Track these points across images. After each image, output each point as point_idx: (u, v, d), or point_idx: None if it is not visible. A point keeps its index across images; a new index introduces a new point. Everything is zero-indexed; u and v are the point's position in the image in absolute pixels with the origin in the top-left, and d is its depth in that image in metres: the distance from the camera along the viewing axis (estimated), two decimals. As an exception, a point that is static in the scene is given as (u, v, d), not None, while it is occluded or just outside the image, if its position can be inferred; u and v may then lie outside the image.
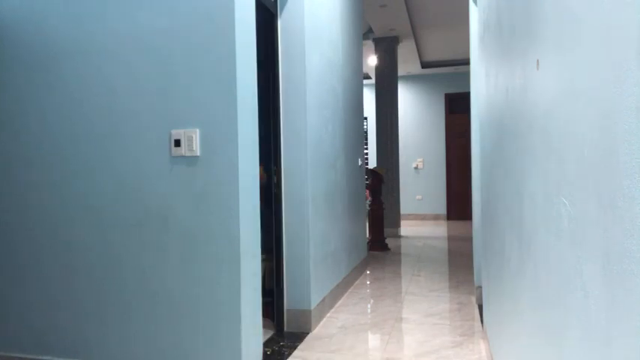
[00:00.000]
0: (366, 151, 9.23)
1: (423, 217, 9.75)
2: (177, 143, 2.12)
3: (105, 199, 2.24)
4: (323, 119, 3.52)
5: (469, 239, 6.44)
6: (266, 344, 2.83)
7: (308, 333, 3.09)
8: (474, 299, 3.82)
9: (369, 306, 3.74)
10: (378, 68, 7.70)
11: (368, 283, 4.56)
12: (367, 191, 6.08)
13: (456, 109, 9.63)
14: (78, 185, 2.28)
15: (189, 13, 2.12)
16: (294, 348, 2.86)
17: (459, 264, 5.30)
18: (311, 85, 3.22)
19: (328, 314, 3.50)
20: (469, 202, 4.14)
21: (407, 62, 8.80)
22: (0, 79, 2.39)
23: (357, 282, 4.52)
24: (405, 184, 9.36)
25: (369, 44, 7.52)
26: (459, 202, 9.54)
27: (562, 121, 0.95)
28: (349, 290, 4.18)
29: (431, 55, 8.77)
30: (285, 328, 3.14)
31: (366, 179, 5.98)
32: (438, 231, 8.25)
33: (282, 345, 2.93)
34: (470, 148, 3.97)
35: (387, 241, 6.51)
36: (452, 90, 9.63)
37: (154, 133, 2.17)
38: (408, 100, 9.85)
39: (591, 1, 0.77)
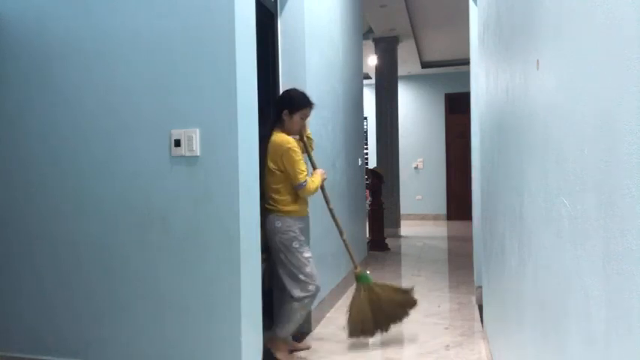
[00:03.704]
0: (366, 151, 9.22)
1: (423, 217, 9.75)
2: (177, 143, 2.12)
3: (105, 199, 2.24)
4: (323, 119, 3.52)
5: (469, 239, 6.43)
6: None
7: (308, 333, 3.09)
8: (474, 299, 3.82)
9: (369, 306, 3.74)
10: (378, 68, 7.69)
11: (368, 283, 4.55)
12: (367, 191, 6.07)
13: (456, 109, 9.62)
14: (78, 185, 2.28)
15: (189, 12, 2.11)
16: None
17: (459, 264, 5.30)
18: (311, 85, 3.22)
19: (328, 314, 3.50)
20: (469, 202, 4.14)
21: (407, 62, 8.79)
22: (1, 77, 2.39)
23: (357, 282, 4.51)
24: (405, 184, 9.35)
25: (369, 44, 7.51)
26: (459, 202, 9.53)
27: (562, 120, 0.95)
28: (349, 290, 4.17)
29: (431, 55, 8.76)
30: (285, 328, 3.13)
31: (366, 179, 5.97)
32: (438, 231, 8.25)
33: (282, 345, 2.92)
34: (470, 148, 3.96)
35: (387, 241, 6.51)
36: (452, 90, 9.62)
37: (154, 133, 2.16)
38: (408, 100, 9.85)
39: (592, 1, 0.77)
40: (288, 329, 2.65)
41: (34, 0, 2.33)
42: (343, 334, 2.96)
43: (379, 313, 2.81)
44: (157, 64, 2.16)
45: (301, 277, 2.58)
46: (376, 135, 7.80)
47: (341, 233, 2.93)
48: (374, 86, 7.90)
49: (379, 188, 6.31)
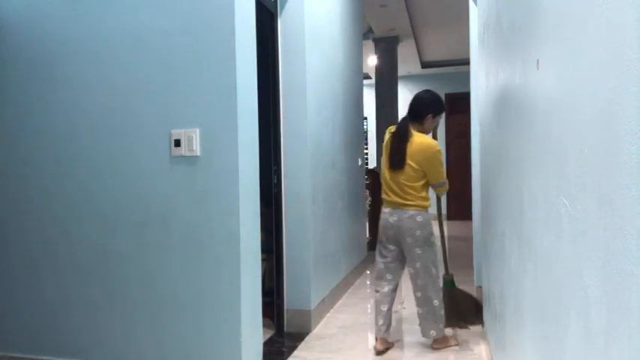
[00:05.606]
0: (366, 151, 9.22)
1: (423, 217, 9.72)
2: (177, 143, 2.12)
3: (105, 198, 2.24)
4: (323, 119, 3.52)
5: (469, 239, 6.43)
6: (266, 344, 2.83)
7: (308, 333, 3.09)
8: (474, 299, 3.81)
9: (369, 306, 3.74)
10: (378, 68, 7.69)
11: (368, 283, 4.55)
12: (367, 191, 6.07)
13: (456, 109, 9.62)
14: (77, 185, 2.28)
15: (190, 13, 2.11)
16: (294, 348, 2.86)
17: (459, 264, 5.29)
18: (311, 84, 3.22)
19: (328, 314, 3.50)
20: (469, 202, 4.14)
21: (407, 62, 8.79)
22: (1, 78, 2.39)
23: (357, 282, 4.51)
24: (405, 184, 9.33)
25: (369, 44, 7.51)
26: (459, 202, 9.52)
27: (562, 120, 0.95)
28: (349, 290, 4.17)
29: (431, 55, 8.76)
30: (285, 328, 3.14)
31: (366, 179, 5.97)
32: (438, 231, 8.23)
33: (282, 345, 2.92)
34: (470, 148, 3.96)
35: (387, 241, 6.48)
36: (452, 90, 9.61)
37: (154, 133, 2.16)
38: (408, 100, 9.81)
39: (591, 1, 0.77)
40: (440, 327, 2.75)
41: (33, 1, 2.33)
42: (343, 334, 2.97)
43: (451, 313, 3.10)
44: (157, 64, 2.16)
45: (433, 270, 2.74)
46: (376, 135, 7.80)
47: (443, 238, 3.21)
48: (374, 86, 7.90)
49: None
